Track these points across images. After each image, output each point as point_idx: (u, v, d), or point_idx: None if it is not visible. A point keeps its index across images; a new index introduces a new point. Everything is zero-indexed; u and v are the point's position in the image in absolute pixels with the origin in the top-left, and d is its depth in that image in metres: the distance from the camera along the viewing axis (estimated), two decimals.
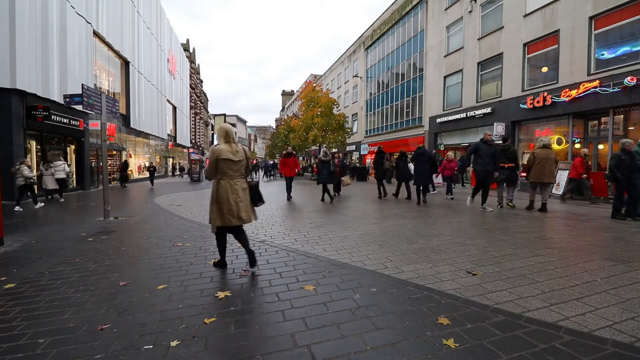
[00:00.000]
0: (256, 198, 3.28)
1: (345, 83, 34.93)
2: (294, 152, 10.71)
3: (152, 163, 18.16)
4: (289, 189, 9.70)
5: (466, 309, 2.31)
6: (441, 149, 19.61)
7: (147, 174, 21.25)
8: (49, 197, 10.77)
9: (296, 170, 10.24)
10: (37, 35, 10.90)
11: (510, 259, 3.47)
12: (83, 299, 2.63)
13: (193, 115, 43.38)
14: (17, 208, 8.31)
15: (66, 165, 10.87)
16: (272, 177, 25.65)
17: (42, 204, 9.19)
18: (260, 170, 31.35)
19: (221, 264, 3.36)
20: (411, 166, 9.90)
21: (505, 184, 7.55)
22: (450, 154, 10.08)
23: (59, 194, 10.67)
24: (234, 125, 78.78)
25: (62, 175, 10.47)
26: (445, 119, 18.44)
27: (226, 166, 3.06)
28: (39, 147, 12.02)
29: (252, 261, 3.18)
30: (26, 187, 8.71)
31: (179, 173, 32.30)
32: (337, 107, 27.09)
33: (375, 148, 26.49)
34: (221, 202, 3.07)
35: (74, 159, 14.35)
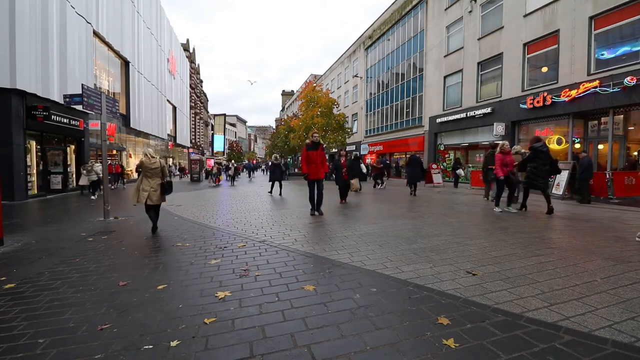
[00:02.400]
0: (164, 190, 5.31)
1: (345, 83, 34.93)
2: (322, 142, 7.33)
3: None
4: (313, 198, 6.71)
5: (466, 309, 2.31)
6: (441, 149, 19.63)
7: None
8: (82, 192, 13.10)
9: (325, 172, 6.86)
10: (37, 35, 10.90)
11: (510, 259, 3.47)
12: (83, 299, 2.63)
13: (193, 115, 43.38)
14: (93, 197, 10.94)
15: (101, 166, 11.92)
16: (285, 178, 24.42)
17: (95, 196, 11.17)
18: (250, 170, 29.41)
19: (152, 229, 5.31)
20: (362, 167, 12.61)
21: (492, 183, 8.67)
22: (506, 143, 7.25)
23: (93, 191, 11.70)
24: (234, 125, 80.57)
25: (100, 174, 11.67)
26: (445, 119, 18.45)
27: (146, 170, 5.16)
28: (39, 147, 12.02)
29: (154, 229, 5.32)
30: (97, 181, 11.19)
31: (178, 173, 30.10)
32: (337, 107, 27.11)
33: (375, 148, 26.59)
34: (142, 190, 5.12)
35: (74, 159, 14.35)
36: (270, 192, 11.49)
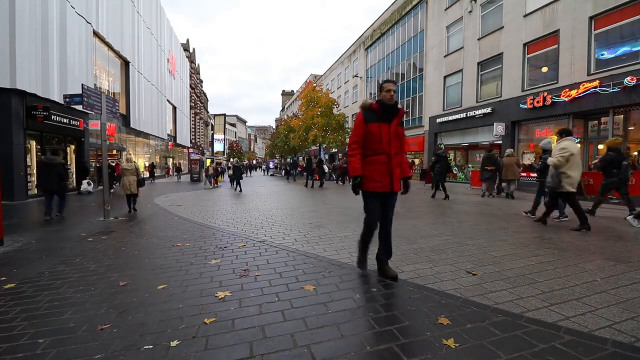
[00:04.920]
0: (139, 184, 7.73)
1: (345, 83, 34.93)
2: (400, 106, 3.25)
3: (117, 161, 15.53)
4: (371, 234, 3.00)
5: (466, 309, 2.31)
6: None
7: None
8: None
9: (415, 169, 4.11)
10: (37, 35, 10.89)
11: (510, 259, 3.47)
12: (83, 299, 2.63)
13: (193, 115, 43.37)
14: (111, 190, 12.14)
15: None
16: (292, 179, 21.11)
17: (113, 189, 12.63)
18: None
19: (129, 211, 7.54)
20: (325, 167, 15.60)
21: (487, 182, 10.26)
22: None
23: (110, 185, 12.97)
24: (234, 125, 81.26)
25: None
26: (445, 119, 18.44)
27: (125, 171, 7.56)
28: (39, 147, 12.00)
29: (131, 210, 7.58)
30: (113, 176, 13.19)
31: (175, 174, 27.35)
32: (337, 107, 27.10)
33: None
34: (124, 185, 7.49)
35: (74, 159, 14.34)
36: (234, 189, 14.05)
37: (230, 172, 19.57)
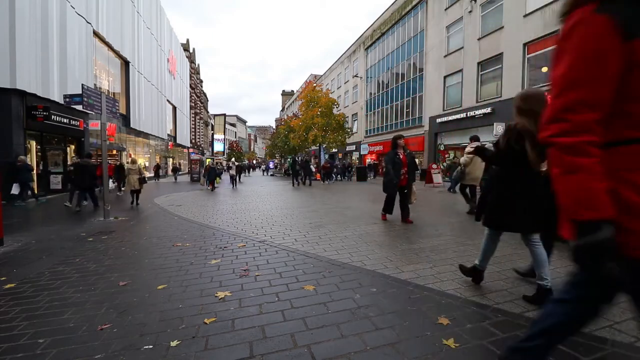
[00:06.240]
0: (142, 181, 8.90)
1: (345, 83, 34.94)
2: None
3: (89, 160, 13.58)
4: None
5: (466, 309, 2.31)
6: (441, 149, 19.63)
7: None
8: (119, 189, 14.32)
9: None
10: (37, 35, 10.89)
11: (510, 259, 3.47)
12: (83, 299, 2.63)
13: (193, 115, 43.37)
14: (118, 193, 12.64)
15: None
16: (299, 181, 17.67)
17: (120, 192, 12.88)
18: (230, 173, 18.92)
19: (132, 203, 8.78)
20: (312, 167, 17.40)
21: None
22: None
23: (119, 187, 13.15)
24: (234, 125, 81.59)
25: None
26: (445, 119, 18.45)
27: (130, 170, 8.95)
28: (39, 147, 12.00)
29: (135, 203, 8.84)
30: (121, 176, 12.86)
31: (172, 174, 25.71)
32: (337, 107, 27.10)
33: (375, 148, 26.59)
34: (129, 182, 8.83)
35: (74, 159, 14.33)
36: (212, 189, 14.57)
37: (233, 171, 19.38)
